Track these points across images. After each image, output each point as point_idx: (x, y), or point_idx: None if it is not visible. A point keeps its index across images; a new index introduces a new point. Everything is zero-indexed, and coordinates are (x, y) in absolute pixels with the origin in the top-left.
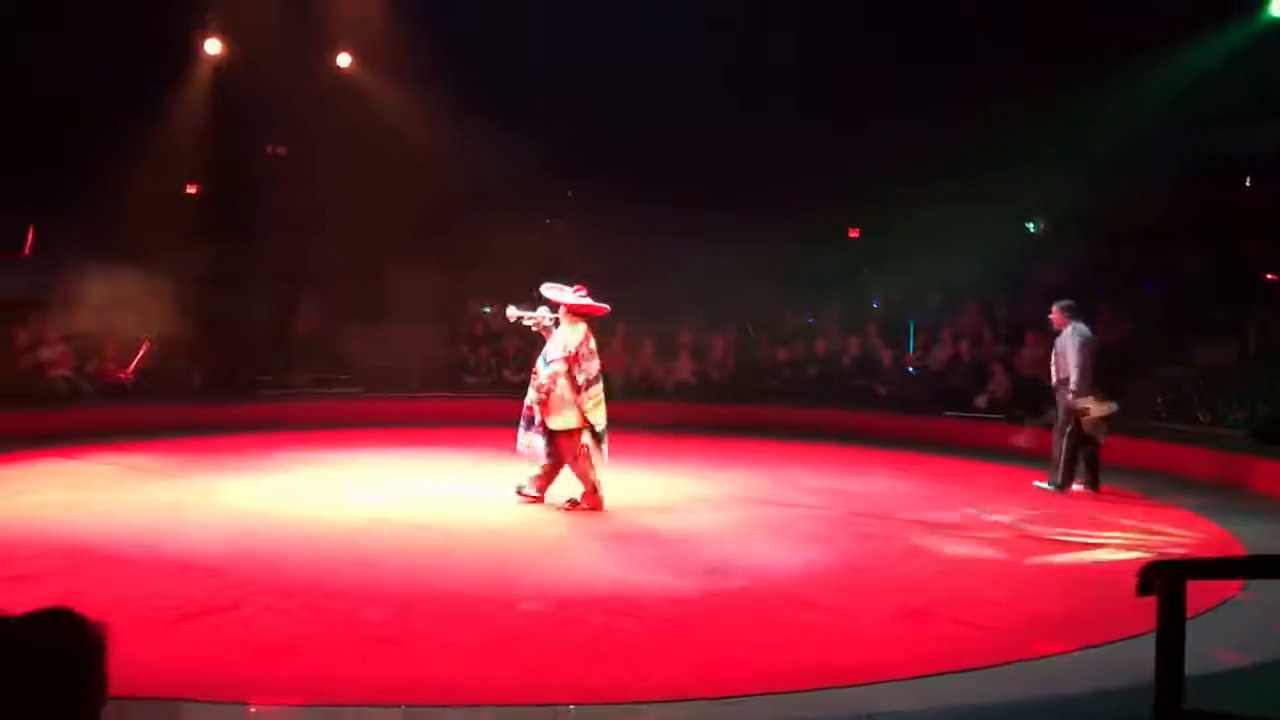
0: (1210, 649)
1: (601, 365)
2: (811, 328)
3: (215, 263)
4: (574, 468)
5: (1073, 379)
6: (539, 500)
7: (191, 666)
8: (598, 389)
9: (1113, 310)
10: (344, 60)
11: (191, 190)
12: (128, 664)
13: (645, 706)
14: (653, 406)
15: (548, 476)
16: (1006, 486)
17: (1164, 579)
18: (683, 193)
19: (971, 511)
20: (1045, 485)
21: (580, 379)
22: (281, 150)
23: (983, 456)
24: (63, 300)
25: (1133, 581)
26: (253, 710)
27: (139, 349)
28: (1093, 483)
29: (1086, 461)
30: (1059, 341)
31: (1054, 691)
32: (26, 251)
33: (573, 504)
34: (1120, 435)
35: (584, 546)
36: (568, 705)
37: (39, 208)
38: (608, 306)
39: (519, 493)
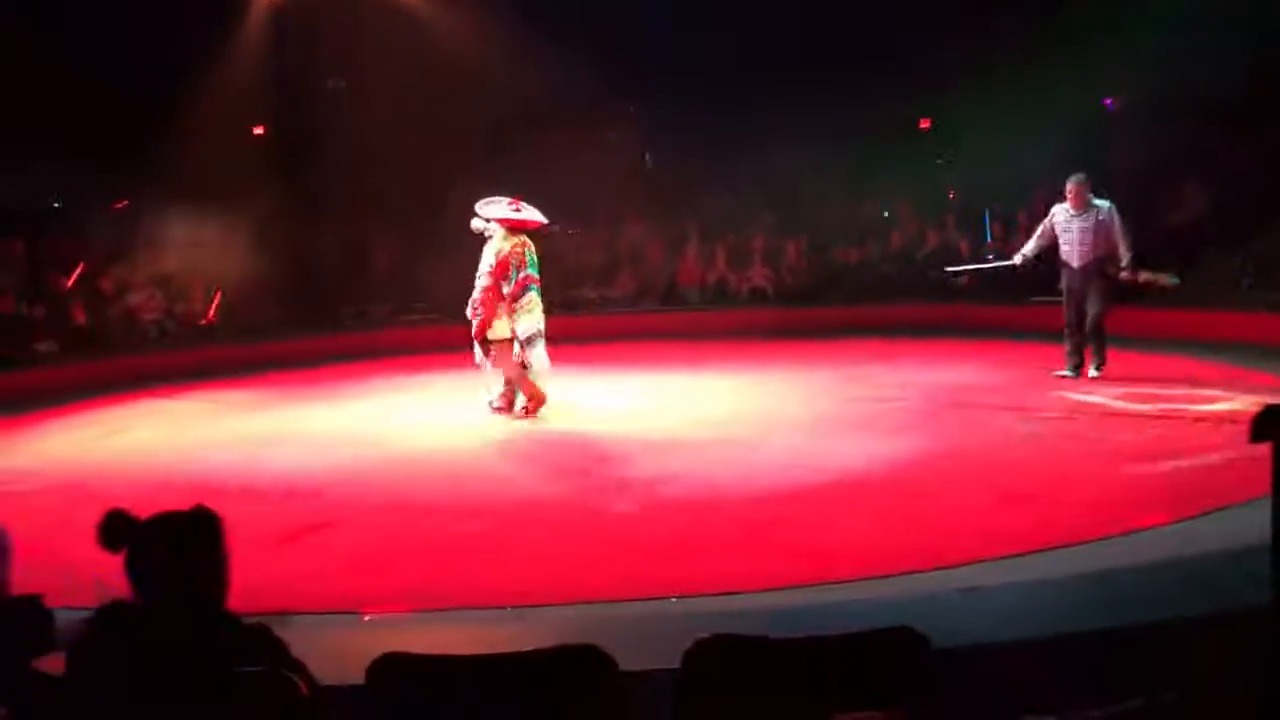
0: None
1: (536, 278)
2: (886, 222)
3: (287, 200)
4: (510, 375)
5: (1126, 254)
6: (505, 411)
7: (300, 583)
8: (529, 297)
9: (1197, 186)
10: None
11: (258, 131)
12: (237, 583)
13: (745, 596)
14: (727, 314)
15: (510, 389)
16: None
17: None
18: (748, 95)
19: (1060, 394)
20: (1095, 372)
21: (506, 289)
22: (342, 84)
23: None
24: (146, 246)
25: (1229, 451)
26: (366, 619)
27: (214, 296)
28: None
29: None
30: (1076, 221)
31: (1149, 559)
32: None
33: (523, 410)
34: (1204, 309)
35: (670, 451)
36: (671, 597)
37: (114, 159)
38: (539, 219)
39: (490, 406)
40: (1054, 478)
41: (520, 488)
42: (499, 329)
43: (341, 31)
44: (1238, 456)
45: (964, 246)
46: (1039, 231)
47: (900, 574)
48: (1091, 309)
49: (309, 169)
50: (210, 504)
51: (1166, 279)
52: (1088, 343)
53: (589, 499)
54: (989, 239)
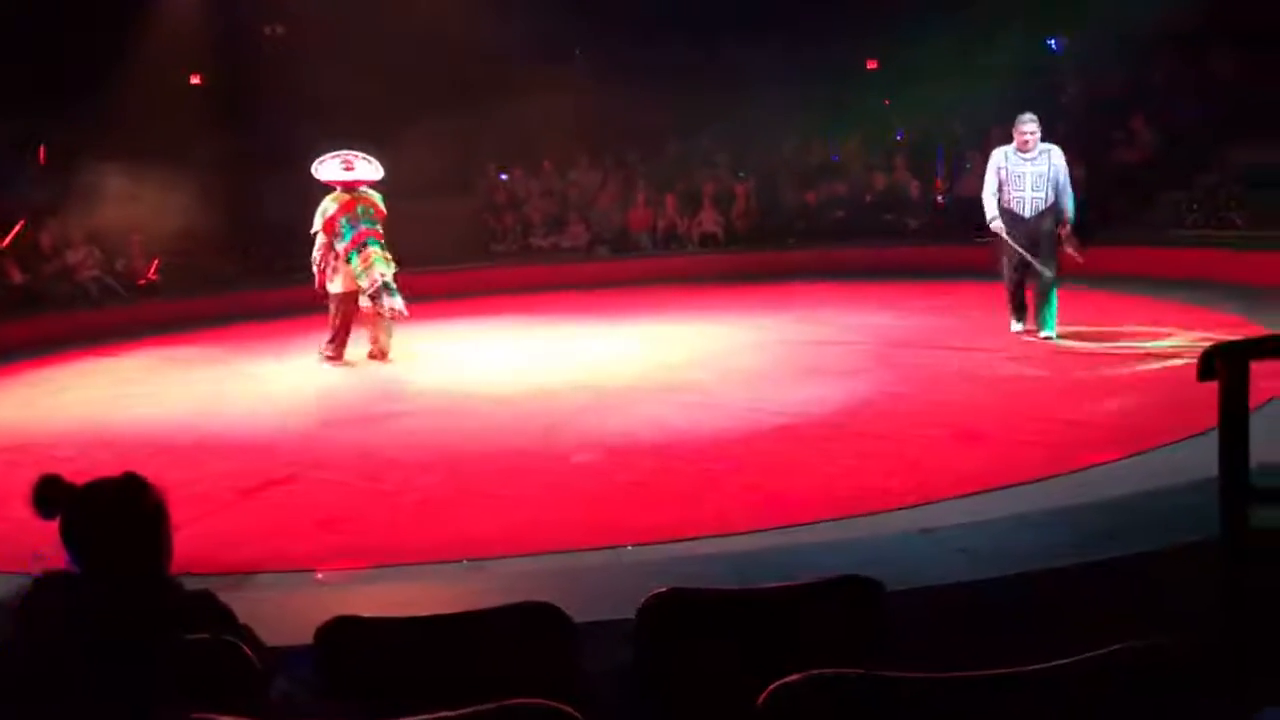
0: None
1: (373, 231)
2: (836, 165)
3: (228, 152)
4: (350, 324)
5: (1070, 209)
6: (335, 359)
7: (257, 540)
8: (369, 252)
9: (1146, 124)
10: None
11: (195, 80)
12: (192, 541)
13: (702, 541)
14: (678, 260)
15: (338, 337)
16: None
17: (1225, 360)
18: (694, 39)
19: (1015, 332)
20: (1051, 332)
21: (339, 246)
22: (281, 30)
23: None
24: (83, 202)
25: (1180, 386)
26: (320, 576)
27: (152, 262)
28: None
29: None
30: (1027, 165)
31: (1102, 496)
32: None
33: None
34: (1152, 247)
35: (627, 400)
36: (625, 546)
37: (47, 111)
38: (372, 176)
39: (321, 355)
40: (1007, 416)
41: (478, 439)
42: (335, 283)
43: None
44: (1186, 393)
45: (914, 188)
46: (989, 185)
47: (858, 515)
48: (1046, 271)
49: (250, 119)
50: (160, 460)
51: (1075, 245)
52: (1034, 301)
53: (547, 448)
54: (940, 180)
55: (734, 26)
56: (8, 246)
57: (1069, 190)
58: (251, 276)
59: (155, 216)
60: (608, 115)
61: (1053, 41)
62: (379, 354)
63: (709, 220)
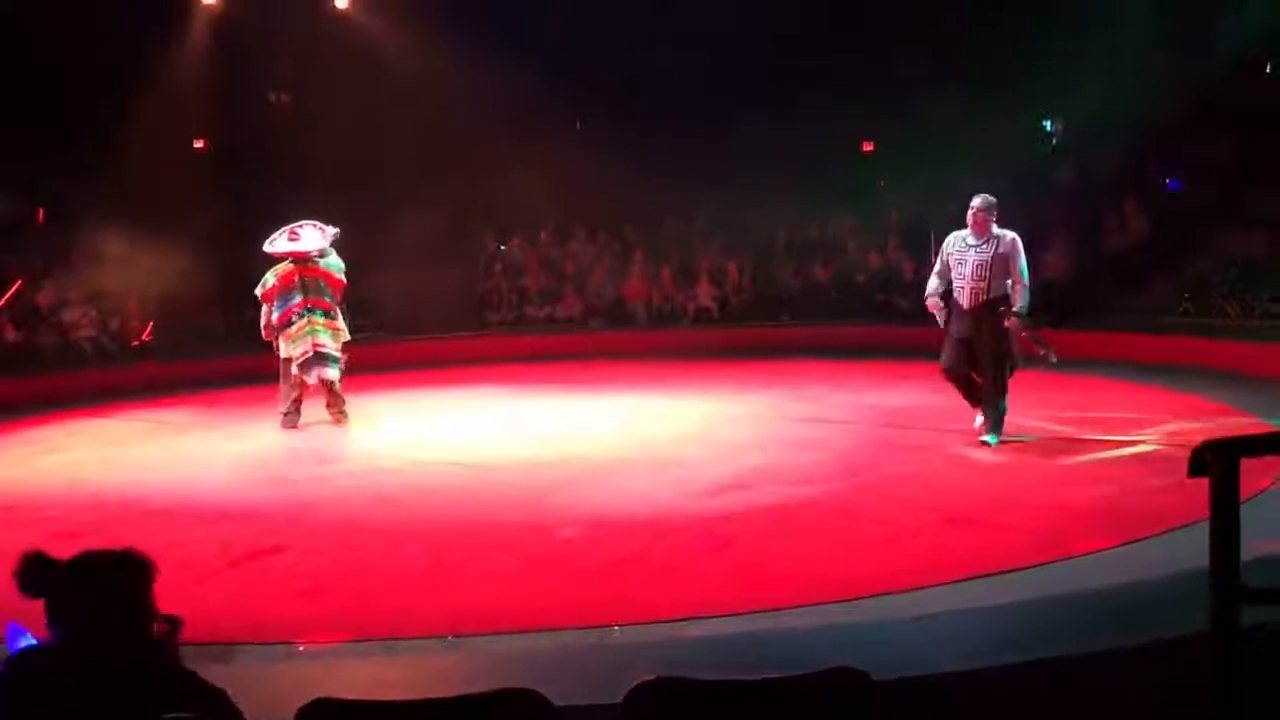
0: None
1: (314, 301)
2: (831, 245)
3: (227, 216)
4: (300, 389)
5: (1023, 298)
6: (291, 426)
7: (239, 610)
8: (302, 322)
9: (1136, 207)
10: (341, 1)
11: (199, 145)
12: (174, 610)
13: (688, 623)
14: (672, 334)
15: (294, 400)
16: (1035, 392)
17: (1216, 457)
18: (694, 116)
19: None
20: (991, 439)
21: (275, 315)
22: (285, 98)
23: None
24: (82, 263)
25: (1171, 474)
26: (302, 649)
27: (149, 322)
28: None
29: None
30: (972, 252)
31: (1098, 584)
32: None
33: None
34: (1145, 333)
35: (616, 473)
36: (612, 626)
37: (51, 173)
38: (298, 248)
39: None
40: (997, 501)
41: (461, 510)
42: (283, 349)
43: (285, 45)
44: (1176, 483)
45: (907, 269)
46: (937, 267)
47: (846, 599)
48: (989, 370)
49: (250, 183)
50: (146, 525)
51: (1047, 350)
52: (979, 402)
53: (534, 521)
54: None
55: (735, 105)
56: (4, 306)
57: (1023, 280)
58: (242, 341)
59: (152, 279)
60: (606, 187)
61: (1048, 123)
62: (336, 418)
63: (704, 294)
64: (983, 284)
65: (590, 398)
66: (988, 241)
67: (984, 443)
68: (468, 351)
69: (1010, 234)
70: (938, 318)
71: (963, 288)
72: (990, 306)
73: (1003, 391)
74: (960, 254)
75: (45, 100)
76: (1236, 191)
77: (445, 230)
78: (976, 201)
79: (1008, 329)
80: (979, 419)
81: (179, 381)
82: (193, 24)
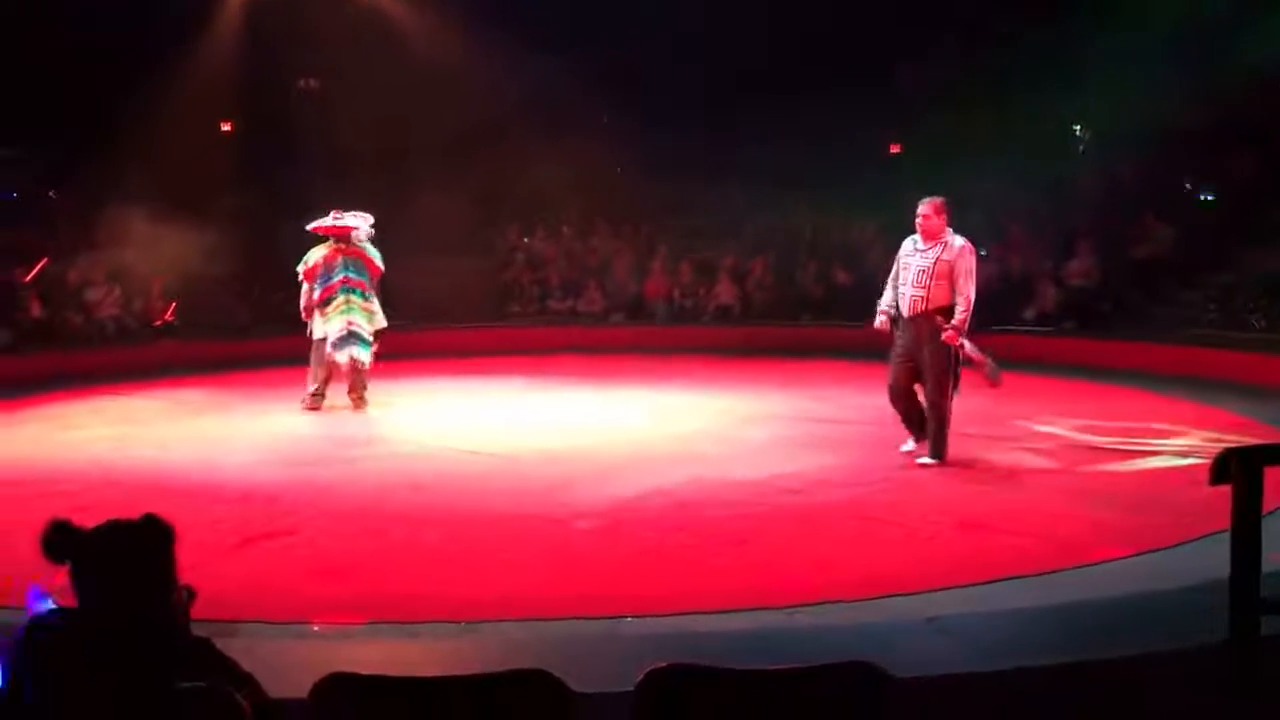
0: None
1: (351, 280)
2: (855, 247)
3: (252, 198)
4: (329, 371)
5: (960, 311)
6: (315, 408)
7: (255, 589)
8: (340, 300)
9: (1160, 219)
10: None
11: (227, 128)
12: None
13: (703, 616)
14: (692, 331)
15: (323, 381)
16: (1055, 399)
17: (1240, 464)
18: (721, 115)
19: (1021, 423)
20: (929, 460)
21: (316, 292)
22: (313, 83)
23: (1030, 369)
24: (108, 242)
25: (1192, 485)
26: (316, 628)
27: (171, 302)
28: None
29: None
30: (915, 257)
31: (1112, 593)
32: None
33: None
34: (1169, 345)
35: (634, 467)
36: (625, 616)
37: (80, 153)
38: (341, 224)
39: (302, 404)
40: (1013, 507)
41: (480, 499)
42: (317, 328)
43: (315, 31)
44: (1197, 494)
45: None
46: (892, 273)
47: (860, 599)
48: (929, 388)
49: (277, 167)
50: (164, 503)
51: (990, 368)
52: (914, 425)
53: (551, 512)
54: None
55: (761, 106)
56: (31, 281)
57: (965, 292)
58: (264, 322)
59: (177, 259)
60: (631, 182)
61: (1078, 128)
62: (355, 402)
63: (726, 293)
64: (921, 292)
65: (610, 392)
66: (934, 247)
67: (921, 464)
68: (489, 342)
69: (962, 241)
70: (890, 332)
71: (903, 294)
72: (928, 319)
73: (945, 412)
74: (906, 259)
75: (76, 82)
76: (1258, 204)
77: (470, 219)
78: (923, 205)
79: (946, 344)
80: (909, 442)
81: (199, 362)
82: (223, 8)
